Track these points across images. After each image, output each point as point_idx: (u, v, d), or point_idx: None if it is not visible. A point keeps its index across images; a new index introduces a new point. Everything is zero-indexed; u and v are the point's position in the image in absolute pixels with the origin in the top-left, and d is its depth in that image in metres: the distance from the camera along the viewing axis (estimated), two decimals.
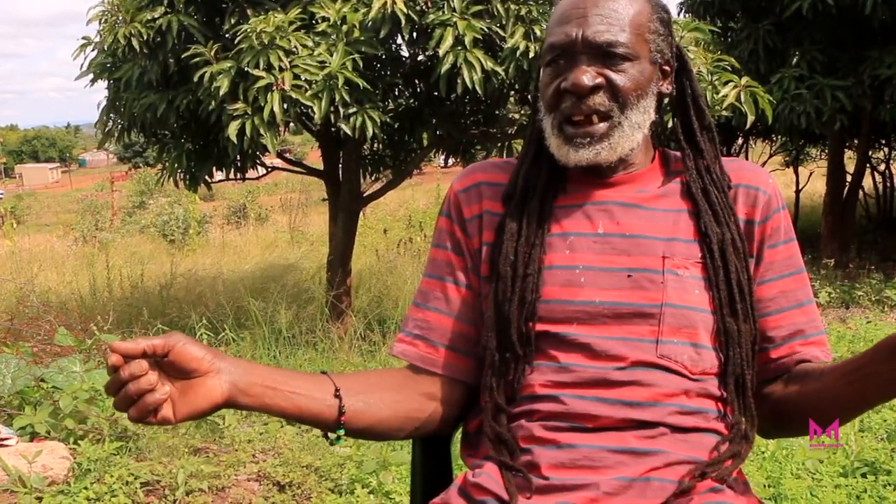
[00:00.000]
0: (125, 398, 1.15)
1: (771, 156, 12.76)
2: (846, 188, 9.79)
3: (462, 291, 1.44)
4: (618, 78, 1.32)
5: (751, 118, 4.97)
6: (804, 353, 1.39)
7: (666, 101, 1.44)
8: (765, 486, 3.25)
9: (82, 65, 5.58)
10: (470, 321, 1.44)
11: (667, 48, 1.39)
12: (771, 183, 1.42)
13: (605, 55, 1.31)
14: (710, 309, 1.33)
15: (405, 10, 4.69)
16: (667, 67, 1.40)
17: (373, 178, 7.03)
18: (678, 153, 1.45)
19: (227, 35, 5.03)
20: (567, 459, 1.28)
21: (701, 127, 1.43)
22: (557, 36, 1.34)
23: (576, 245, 1.37)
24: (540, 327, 1.34)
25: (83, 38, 5.59)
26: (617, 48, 1.31)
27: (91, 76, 5.59)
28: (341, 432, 1.34)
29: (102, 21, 5.37)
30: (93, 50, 5.56)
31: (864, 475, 3.34)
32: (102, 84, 5.67)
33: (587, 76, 1.31)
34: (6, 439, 3.73)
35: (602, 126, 1.33)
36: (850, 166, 10.02)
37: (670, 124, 1.46)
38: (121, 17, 5.18)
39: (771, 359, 1.40)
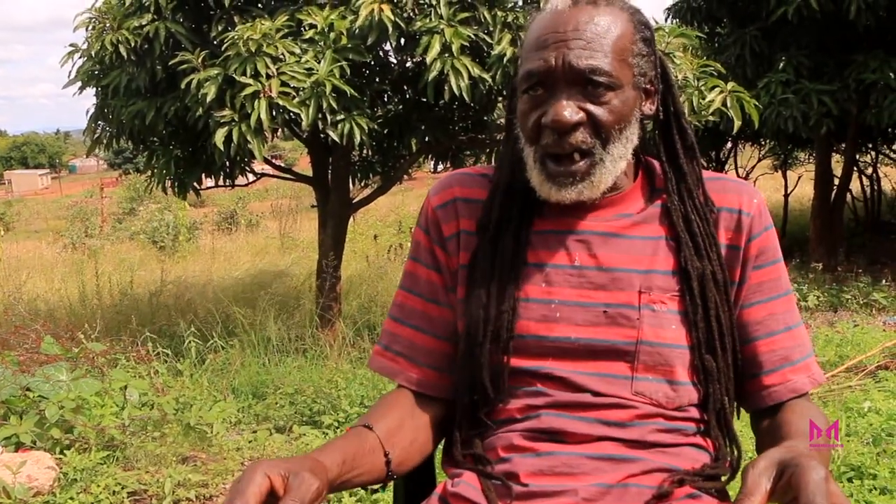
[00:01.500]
0: None
1: (759, 160, 12.82)
2: (834, 192, 9.85)
3: (443, 311, 1.43)
4: (600, 112, 1.27)
5: (737, 123, 5.00)
6: (795, 381, 1.37)
7: (647, 121, 1.40)
8: None
9: (70, 72, 5.57)
10: (449, 339, 1.43)
11: (650, 69, 1.34)
12: (756, 203, 1.37)
13: (586, 83, 1.26)
14: (687, 344, 1.32)
15: (392, 18, 4.70)
16: (650, 87, 1.35)
17: (362, 184, 7.03)
18: (660, 165, 1.41)
19: (214, 42, 5.03)
20: (546, 467, 1.28)
21: (683, 147, 1.39)
22: (535, 62, 1.28)
23: (552, 278, 1.35)
24: (515, 362, 1.33)
25: (71, 45, 5.58)
26: (600, 76, 1.25)
27: (79, 84, 5.58)
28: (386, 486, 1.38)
29: (90, 28, 5.36)
30: (80, 57, 5.56)
31: (850, 479, 3.35)
32: (91, 91, 5.67)
33: (568, 111, 1.25)
34: None
35: (583, 164, 1.29)
36: (838, 170, 10.08)
37: (652, 142, 1.43)
38: (108, 24, 5.17)
39: (764, 386, 1.38)
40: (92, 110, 5.74)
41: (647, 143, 1.43)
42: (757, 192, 1.42)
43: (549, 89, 1.28)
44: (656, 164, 1.43)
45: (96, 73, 5.53)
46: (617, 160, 1.31)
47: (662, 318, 1.31)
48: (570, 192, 1.30)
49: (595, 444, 1.29)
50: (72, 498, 3.43)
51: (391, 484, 1.40)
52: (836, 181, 9.93)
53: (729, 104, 4.95)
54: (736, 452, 1.36)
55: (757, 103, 5.36)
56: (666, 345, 1.30)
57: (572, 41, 1.26)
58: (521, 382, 1.34)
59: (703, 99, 4.94)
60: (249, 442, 4.18)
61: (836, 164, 10.46)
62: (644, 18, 1.35)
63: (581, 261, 1.35)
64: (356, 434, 1.29)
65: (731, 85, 5.04)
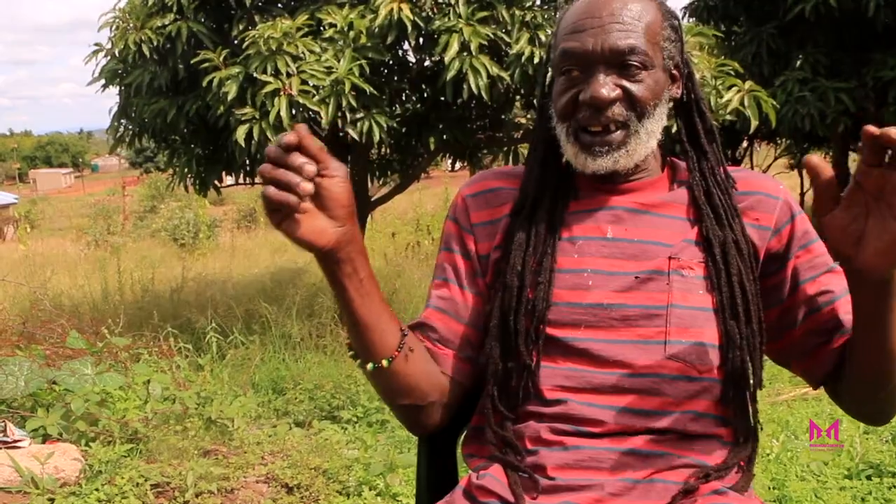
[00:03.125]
0: (282, 180, 1.13)
1: (776, 158, 12.76)
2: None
3: (468, 296, 1.45)
4: (635, 88, 1.32)
5: (754, 122, 5.00)
6: None
7: (671, 104, 1.45)
8: (770, 488, 3.27)
9: (94, 71, 5.67)
10: (475, 325, 1.45)
11: (677, 54, 1.39)
12: (782, 189, 1.42)
13: (621, 64, 1.32)
14: (713, 308, 1.34)
15: (411, 17, 4.75)
16: (676, 72, 1.41)
17: (380, 182, 7.08)
18: (684, 163, 1.46)
19: (235, 41, 5.10)
20: (572, 460, 1.30)
21: (704, 130, 1.44)
22: (572, 43, 1.33)
23: (584, 249, 1.38)
24: (548, 331, 1.36)
25: (95, 44, 5.67)
26: (635, 56, 1.31)
27: (102, 81, 5.67)
28: (385, 363, 1.34)
29: (113, 28, 5.44)
30: (104, 56, 5.64)
31: (868, 477, 3.35)
32: (114, 90, 5.76)
33: (606, 88, 1.30)
34: (19, 441, 3.80)
35: (619, 134, 1.33)
36: (854, 168, 10.03)
37: (674, 129, 1.47)
38: (131, 24, 5.25)
39: (835, 349, 1.37)
40: (115, 109, 5.83)
41: (666, 139, 1.47)
42: (780, 182, 1.47)
43: (586, 71, 1.33)
44: (679, 162, 1.47)
45: (119, 72, 5.62)
46: (651, 134, 1.35)
47: (690, 283, 1.34)
48: (605, 161, 1.34)
49: (623, 439, 1.31)
50: (97, 489, 3.50)
51: (414, 478, 1.41)
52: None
53: (746, 103, 4.96)
54: (752, 427, 1.38)
55: (774, 102, 5.37)
56: (695, 307, 1.33)
57: (609, 24, 1.31)
58: (554, 358, 1.35)
59: (721, 98, 4.95)
60: (269, 436, 4.24)
61: (853, 162, 10.40)
62: (670, 8, 1.41)
63: (613, 233, 1.38)
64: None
65: (748, 84, 5.04)
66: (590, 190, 1.42)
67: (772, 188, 1.41)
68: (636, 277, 1.35)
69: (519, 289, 1.37)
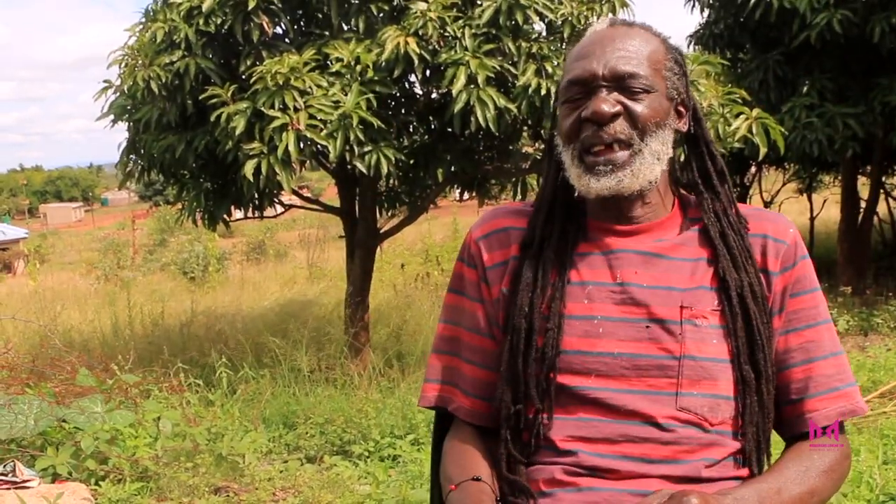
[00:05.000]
0: None
1: (784, 184, 12.74)
2: (861, 214, 9.76)
3: (487, 341, 1.45)
4: (637, 106, 1.33)
5: (763, 150, 5.00)
6: (834, 407, 1.37)
7: (679, 146, 1.45)
8: None
9: (103, 107, 5.70)
10: (494, 369, 1.43)
11: (682, 88, 1.40)
12: (791, 233, 1.41)
13: (623, 87, 1.33)
14: (728, 358, 1.33)
15: (418, 51, 4.77)
16: (682, 108, 1.41)
17: (389, 214, 7.09)
18: (694, 198, 1.45)
19: (243, 76, 5.12)
20: (588, 502, 1.29)
21: (715, 171, 1.43)
22: (576, 71, 1.36)
23: (594, 295, 1.36)
24: (558, 379, 1.34)
25: (104, 81, 5.72)
26: (636, 80, 1.33)
27: (112, 117, 5.71)
28: None
29: (122, 65, 5.49)
30: (113, 93, 5.68)
31: None
32: (123, 126, 5.79)
33: (607, 104, 1.32)
34: (28, 481, 3.77)
35: (623, 154, 1.33)
36: (864, 192, 10.00)
37: (680, 163, 1.47)
38: (140, 61, 5.29)
39: (803, 411, 1.37)
40: (124, 144, 5.86)
41: (679, 171, 1.47)
42: (791, 223, 1.44)
43: (588, 93, 1.34)
44: (691, 197, 1.46)
45: (128, 108, 5.65)
46: (655, 156, 1.35)
47: (704, 332, 1.32)
48: (608, 181, 1.33)
49: (638, 481, 1.29)
50: None
51: None
52: (863, 204, 9.86)
53: (755, 131, 4.96)
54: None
55: (782, 129, 5.36)
56: (709, 359, 1.32)
57: (611, 51, 1.34)
58: (565, 407, 1.34)
59: (729, 126, 4.95)
60: (281, 472, 4.21)
61: (862, 186, 10.38)
62: (674, 46, 1.43)
63: (623, 278, 1.36)
64: (479, 490, 1.33)
65: (756, 111, 5.05)
66: (599, 231, 1.41)
67: (780, 231, 1.40)
68: (647, 327, 1.33)
69: (527, 331, 1.36)
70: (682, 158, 1.47)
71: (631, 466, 1.29)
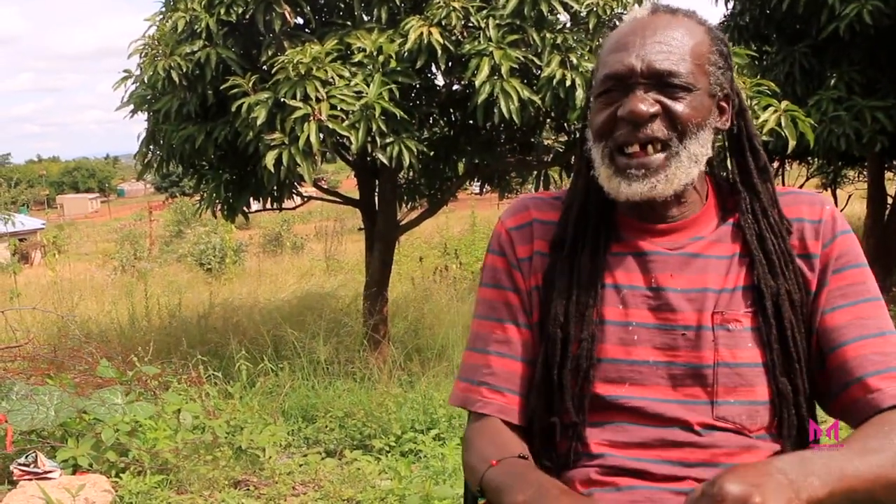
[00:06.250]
0: None
1: (807, 178, 12.62)
2: (888, 210, 9.64)
3: (524, 332, 1.39)
4: (676, 106, 1.25)
5: (792, 142, 4.91)
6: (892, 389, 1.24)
7: (720, 140, 1.38)
8: None
9: (123, 97, 5.67)
10: (531, 362, 1.38)
11: (726, 82, 1.32)
12: (828, 209, 1.35)
13: (663, 84, 1.26)
14: (762, 363, 1.27)
15: (441, 41, 4.71)
16: (724, 104, 1.34)
17: (408, 206, 7.04)
18: (731, 186, 1.39)
19: (264, 67, 5.08)
20: (628, 500, 1.25)
21: (757, 168, 1.36)
22: (613, 66, 1.28)
23: (629, 300, 1.32)
24: (594, 388, 1.30)
25: (124, 71, 5.69)
26: (676, 78, 1.25)
27: (131, 107, 5.68)
28: None
29: (143, 55, 5.45)
30: (133, 83, 5.65)
31: None
32: (142, 116, 5.77)
33: (645, 104, 1.25)
34: (50, 472, 3.75)
35: (659, 157, 1.26)
36: (891, 188, 9.88)
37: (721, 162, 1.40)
38: (161, 51, 5.25)
39: (871, 389, 1.24)
40: (143, 135, 5.83)
41: (717, 166, 1.41)
42: (828, 200, 1.39)
43: (625, 89, 1.27)
44: (724, 183, 1.41)
45: (148, 98, 5.62)
46: (693, 159, 1.28)
47: (738, 337, 1.28)
48: (641, 186, 1.27)
49: (678, 483, 1.25)
50: None
51: None
52: (890, 199, 9.73)
53: (783, 123, 4.87)
54: None
55: (812, 122, 5.27)
56: (744, 364, 1.27)
57: (650, 45, 1.27)
58: (600, 415, 1.30)
59: (757, 119, 4.85)
60: (300, 466, 4.17)
61: (889, 181, 10.25)
62: (720, 34, 1.34)
63: (657, 282, 1.32)
64: (526, 465, 1.25)
65: (784, 104, 4.96)
66: (632, 230, 1.35)
67: (815, 211, 1.34)
68: (683, 335, 1.29)
69: (563, 341, 1.31)
70: (721, 154, 1.41)
71: (667, 470, 1.25)
